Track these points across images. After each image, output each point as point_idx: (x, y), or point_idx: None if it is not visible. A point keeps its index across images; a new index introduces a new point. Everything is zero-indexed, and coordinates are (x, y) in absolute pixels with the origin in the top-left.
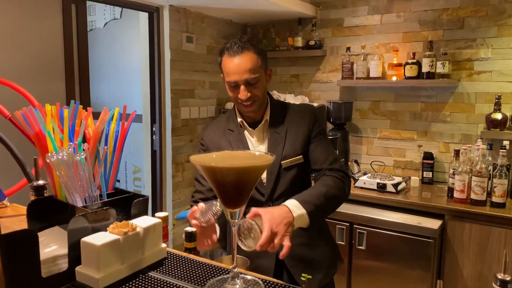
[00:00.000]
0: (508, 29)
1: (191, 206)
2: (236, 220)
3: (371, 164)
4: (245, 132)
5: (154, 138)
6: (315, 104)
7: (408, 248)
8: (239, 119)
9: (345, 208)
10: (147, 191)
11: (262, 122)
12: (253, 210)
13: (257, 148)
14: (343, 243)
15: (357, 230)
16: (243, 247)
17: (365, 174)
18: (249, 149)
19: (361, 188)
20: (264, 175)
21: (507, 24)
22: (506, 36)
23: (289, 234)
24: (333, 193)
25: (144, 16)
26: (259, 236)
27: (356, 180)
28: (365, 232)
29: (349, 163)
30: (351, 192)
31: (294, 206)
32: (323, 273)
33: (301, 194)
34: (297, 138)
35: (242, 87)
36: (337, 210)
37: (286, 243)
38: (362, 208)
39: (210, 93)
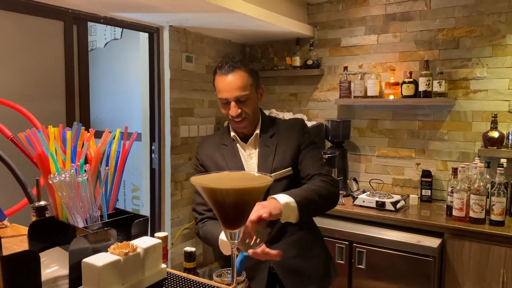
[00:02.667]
0: (503, 49)
1: (197, 219)
2: (236, 241)
3: (369, 182)
4: (238, 146)
5: (153, 156)
6: (314, 123)
7: (408, 266)
8: (232, 134)
9: (344, 227)
10: (145, 209)
11: (253, 136)
12: None
13: (248, 162)
14: (342, 262)
15: (357, 249)
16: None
17: (364, 192)
18: (241, 162)
19: (360, 206)
20: None
21: (502, 44)
22: (501, 56)
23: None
24: (323, 192)
25: (144, 37)
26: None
27: (355, 198)
28: (365, 250)
29: (348, 181)
30: (350, 210)
31: (281, 196)
32: (316, 284)
33: (291, 190)
34: (287, 151)
35: (232, 103)
36: (336, 228)
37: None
38: (361, 226)
39: (209, 111)
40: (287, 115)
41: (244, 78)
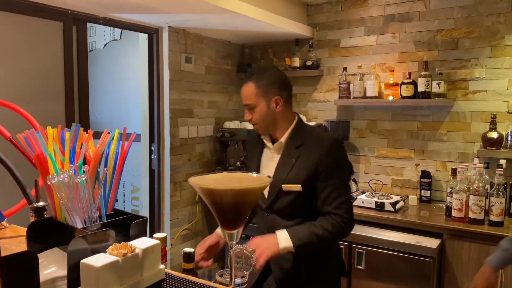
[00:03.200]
0: (502, 50)
1: None
2: (234, 242)
3: (369, 182)
4: (264, 148)
5: (152, 157)
6: (313, 123)
7: (407, 267)
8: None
9: None
10: (145, 210)
11: (278, 142)
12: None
13: (268, 163)
14: None
15: (356, 249)
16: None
17: (363, 193)
18: (258, 162)
19: (360, 207)
20: (266, 189)
21: (500, 45)
22: (500, 56)
23: (269, 258)
24: (327, 236)
25: (143, 37)
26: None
27: (354, 199)
28: (364, 251)
29: None
30: None
31: (282, 240)
32: (309, 283)
33: (295, 228)
34: (303, 169)
35: (245, 109)
36: None
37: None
38: (360, 227)
39: (209, 112)
40: None
41: (251, 89)
